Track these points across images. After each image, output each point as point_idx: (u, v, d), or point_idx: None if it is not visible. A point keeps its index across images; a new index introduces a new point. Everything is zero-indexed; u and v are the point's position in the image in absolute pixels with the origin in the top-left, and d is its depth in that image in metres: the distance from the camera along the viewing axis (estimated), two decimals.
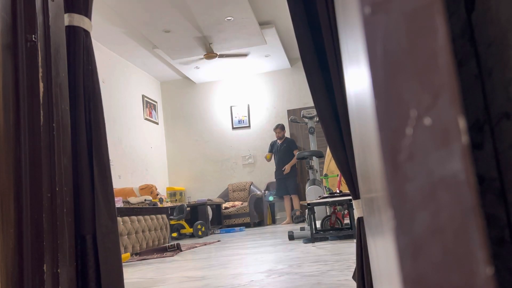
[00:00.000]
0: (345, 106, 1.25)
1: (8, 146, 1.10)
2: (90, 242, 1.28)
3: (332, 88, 1.28)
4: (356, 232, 1.31)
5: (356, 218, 1.32)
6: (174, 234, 6.60)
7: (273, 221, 8.45)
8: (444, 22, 0.25)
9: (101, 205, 1.33)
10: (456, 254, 0.23)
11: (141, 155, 7.89)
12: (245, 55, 7.76)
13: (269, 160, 7.75)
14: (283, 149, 7.67)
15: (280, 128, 7.73)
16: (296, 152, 7.52)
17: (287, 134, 8.56)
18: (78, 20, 1.40)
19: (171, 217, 6.21)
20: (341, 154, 1.28)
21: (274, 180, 8.01)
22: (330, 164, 5.55)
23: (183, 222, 6.64)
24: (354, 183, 1.28)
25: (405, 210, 0.24)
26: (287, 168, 7.49)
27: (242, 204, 7.91)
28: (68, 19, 1.38)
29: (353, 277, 1.39)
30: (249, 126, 8.93)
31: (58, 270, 1.13)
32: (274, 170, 7.78)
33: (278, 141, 7.80)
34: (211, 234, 7.01)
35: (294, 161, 7.52)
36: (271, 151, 7.86)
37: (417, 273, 0.24)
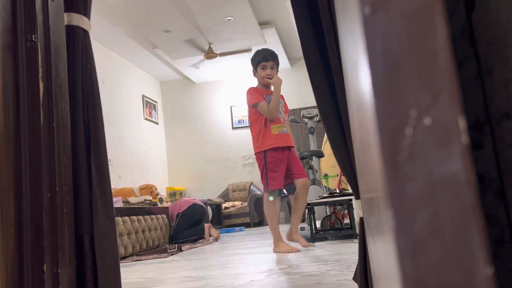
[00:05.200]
0: (347, 105, 1.24)
1: (8, 146, 1.10)
2: (88, 242, 1.28)
3: (334, 87, 1.28)
4: (359, 233, 1.29)
5: (358, 217, 1.30)
6: None
7: None
8: (444, 22, 0.25)
9: (99, 205, 1.32)
10: (456, 254, 0.23)
11: (141, 155, 7.89)
12: (249, 50, 7.61)
13: None
14: None
15: None
16: None
17: None
18: (77, 19, 1.40)
19: None
20: (344, 153, 1.28)
21: None
22: (325, 146, 5.54)
23: None
24: (356, 182, 1.26)
25: (405, 210, 0.24)
26: None
27: (242, 204, 7.91)
28: (67, 18, 1.38)
29: (354, 279, 1.37)
30: (249, 126, 8.93)
31: (58, 270, 1.13)
32: None
33: None
34: None
35: None
36: None
37: (417, 273, 0.24)
